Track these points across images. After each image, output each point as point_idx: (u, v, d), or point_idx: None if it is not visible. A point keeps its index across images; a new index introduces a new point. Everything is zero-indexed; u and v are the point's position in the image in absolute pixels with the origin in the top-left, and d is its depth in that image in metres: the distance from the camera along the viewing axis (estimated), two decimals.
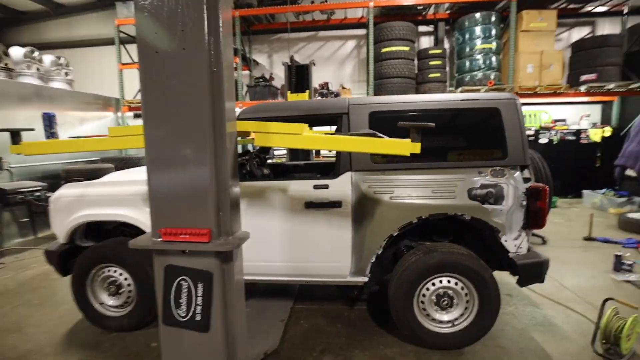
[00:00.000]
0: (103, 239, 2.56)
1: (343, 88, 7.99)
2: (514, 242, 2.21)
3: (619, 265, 3.37)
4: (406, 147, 1.45)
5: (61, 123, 5.24)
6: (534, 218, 2.15)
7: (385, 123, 2.27)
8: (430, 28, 8.12)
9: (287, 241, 2.31)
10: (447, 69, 7.40)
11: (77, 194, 2.45)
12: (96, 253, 2.43)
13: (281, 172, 3.79)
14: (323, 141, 1.52)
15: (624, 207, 5.60)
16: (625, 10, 7.29)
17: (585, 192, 6.59)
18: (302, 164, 3.92)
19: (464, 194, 2.17)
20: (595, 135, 6.87)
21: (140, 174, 2.71)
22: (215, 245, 1.36)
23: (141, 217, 2.34)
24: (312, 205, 2.25)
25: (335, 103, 2.32)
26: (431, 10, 7.74)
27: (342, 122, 2.29)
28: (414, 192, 2.20)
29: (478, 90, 6.58)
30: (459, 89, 6.89)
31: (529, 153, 2.23)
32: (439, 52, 7.08)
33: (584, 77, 6.66)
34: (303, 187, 2.28)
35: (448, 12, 7.69)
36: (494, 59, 6.80)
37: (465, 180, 2.18)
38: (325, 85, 7.41)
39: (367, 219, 2.24)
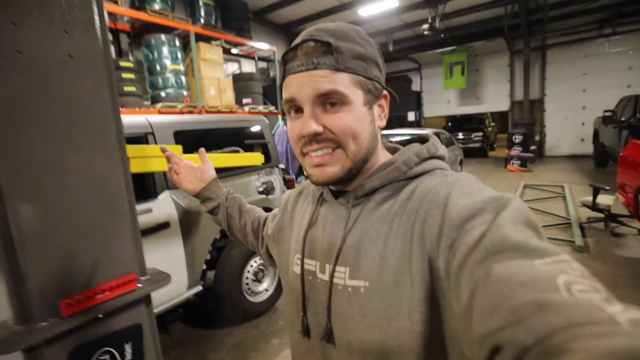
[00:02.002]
0: None
1: None
2: None
3: None
4: (259, 158, 1.94)
5: None
6: None
7: (186, 139, 2.47)
8: (111, 37, 7.49)
9: None
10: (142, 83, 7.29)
11: None
12: None
13: None
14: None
15: None
16: (256, 57, 10.76)
17: None
18: None
19: (255, 191, 2.91)
20: None
21: None
22: (147, 287, 1.17)
23: None
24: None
25: (138, 123, 2.16)
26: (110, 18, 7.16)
27: (147, 141, 2.20)
28: None
29: (175, 107, 7.17)
30: (159, 105, 7.12)
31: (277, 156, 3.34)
32: (131, 66, 6.85)
33: (245, 101, 9.21)
34: None
35: (129, 25, 7.49)
36: (183, 79, 7.65)
37: (253, 181, 2.92)
38: None
39: (194, 231, 2.39)
